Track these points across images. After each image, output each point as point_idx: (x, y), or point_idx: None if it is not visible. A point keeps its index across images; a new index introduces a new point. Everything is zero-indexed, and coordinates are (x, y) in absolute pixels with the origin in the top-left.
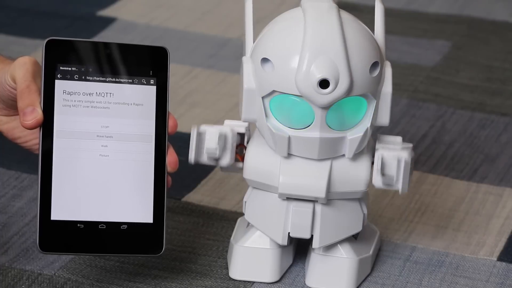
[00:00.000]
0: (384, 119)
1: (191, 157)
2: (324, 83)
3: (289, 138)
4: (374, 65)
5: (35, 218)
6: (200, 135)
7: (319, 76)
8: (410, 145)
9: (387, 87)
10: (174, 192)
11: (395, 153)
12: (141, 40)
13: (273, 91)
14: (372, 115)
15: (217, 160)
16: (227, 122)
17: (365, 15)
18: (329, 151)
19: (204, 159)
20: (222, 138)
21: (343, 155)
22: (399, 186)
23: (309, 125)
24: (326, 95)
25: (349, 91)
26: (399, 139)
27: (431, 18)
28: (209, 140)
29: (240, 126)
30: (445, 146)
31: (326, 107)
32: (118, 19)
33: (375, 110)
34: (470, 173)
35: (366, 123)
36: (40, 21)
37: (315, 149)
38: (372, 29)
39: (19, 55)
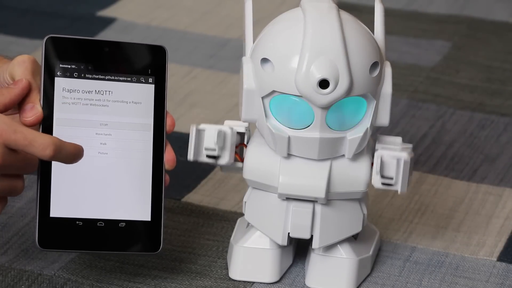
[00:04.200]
0: (384, 119)
1: (190, 155)
2: (324, 83)
3: (288, 138)
4: (374, 65)
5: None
6: (199, 134)
7: (319, 76)
8: (410, 145)
9: (387, 88)
10: (174, 192)
11: (394, 153)
12: (141, 40)
13: (273, 91)
14: (372, 116)
15: (216, 158)
16: (227, 122)
17: (365, 15)
18: (329, 151)
19: (203, 158)
20: (221, 136)
21: (343, 155)
22: (398, 186)
23: (309, 125)
24: (326, 95)
25: (349, 91)
26: (398, 139)
27: (431, 18)
28: (208, 139)
29: (240, 126)
30: (445, 146)
31: (326, 107)
32: (118, 19)
33: (375, 111)
34: (470, 173)
35: (366, 123)
36: (40, 21)
37: (315, 149)
38: (372, 29)
39: (18, 55)
